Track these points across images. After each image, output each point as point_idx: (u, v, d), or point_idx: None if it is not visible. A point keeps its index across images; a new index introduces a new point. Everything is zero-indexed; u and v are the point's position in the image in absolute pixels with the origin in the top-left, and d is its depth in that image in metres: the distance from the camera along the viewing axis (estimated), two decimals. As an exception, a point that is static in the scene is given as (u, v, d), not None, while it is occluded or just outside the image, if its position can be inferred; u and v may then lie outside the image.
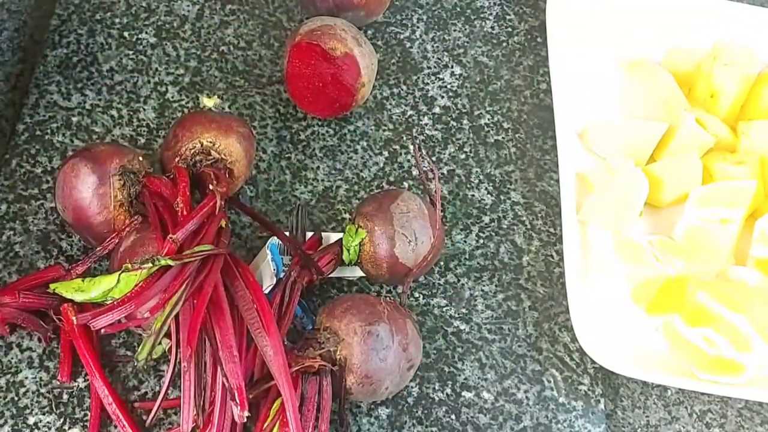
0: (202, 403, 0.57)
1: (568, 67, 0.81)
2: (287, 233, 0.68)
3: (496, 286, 0.73)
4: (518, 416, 0.67)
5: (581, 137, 0.80)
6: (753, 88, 0.82)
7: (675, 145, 0.78)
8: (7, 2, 0.74)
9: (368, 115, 0.80)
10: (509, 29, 0.89)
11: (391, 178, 0.77)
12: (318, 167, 0.76)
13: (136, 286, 0.56)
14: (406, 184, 0.77)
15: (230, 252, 0.62)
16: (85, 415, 0.61)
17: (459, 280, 0.73)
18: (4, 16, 0.74)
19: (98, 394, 0.60)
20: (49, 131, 0.73)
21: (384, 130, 0.80)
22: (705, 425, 0.72)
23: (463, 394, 0.68)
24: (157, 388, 0.63)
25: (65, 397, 0.62)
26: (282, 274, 0.65)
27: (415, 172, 0.78)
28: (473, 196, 0.78)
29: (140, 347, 0.55)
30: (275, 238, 0.67)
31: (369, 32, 0.85)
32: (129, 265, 0.56)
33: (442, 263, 0.73)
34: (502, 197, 0.78)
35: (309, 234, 0.69)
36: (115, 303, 0.55)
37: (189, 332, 0.56)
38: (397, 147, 0.79)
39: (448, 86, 0.83)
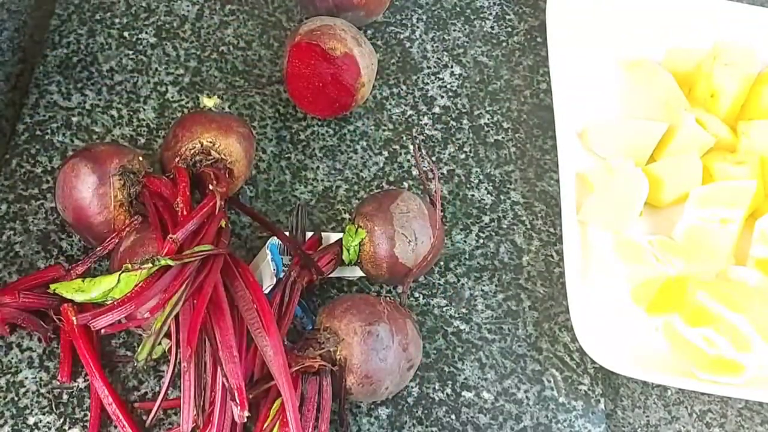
0: (202, 403, 0.57)
1: (568, 67, 0.81)
2: (287, 233, 0.68)
3: (496, 286, 0.73)
4: (518, 416, 0.67)
5: (581, 137, 0.80)
6: (753, 88, 0.82)
7: (675, 145, 0.78)
8: (7, 2, 0.74)
9: (368, 115, 0.80)
10: (509, 29, 0.89)
11: (391, 178, 0.77)
12: (318, 167, 0.76)
13: (136, 286, 0.56)
14: (406, 184, 0.77)
15: (230, 252, 0.62)
16: (85, 415, 0.61)
17: (459, 280, 0.73)
18: (4, 16, 0.74)
19: (98, 395, 0.60)
20: (49, 131, 0.73)
21: (384, 130, 0.80)
22: (705, 425, 0.72)
23: (463, 394, 0.68)
24: (157, 389, 0.63)
25: (65, 397, 0.62)
26: (282, 274, 0.65)
27: (415, 172, 0.78)
28: (473, 196, 0.78)
29: (140, 347, 0.55)
30: (275, 238, 0.67)
31: (369, 32, 0.85)
32: (129, 265, 0.56)
33: (442, 263, 0.73)
34: (502, 197, 0.78)
35: (309, 234, 0.69)
36: (115, 303, 0.55)
37: (189, 332, 0.56)
38: (397, 147, 0.79)
39: (448, 86, 0.83)
